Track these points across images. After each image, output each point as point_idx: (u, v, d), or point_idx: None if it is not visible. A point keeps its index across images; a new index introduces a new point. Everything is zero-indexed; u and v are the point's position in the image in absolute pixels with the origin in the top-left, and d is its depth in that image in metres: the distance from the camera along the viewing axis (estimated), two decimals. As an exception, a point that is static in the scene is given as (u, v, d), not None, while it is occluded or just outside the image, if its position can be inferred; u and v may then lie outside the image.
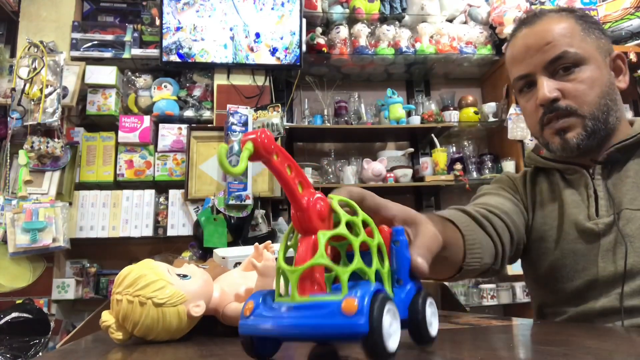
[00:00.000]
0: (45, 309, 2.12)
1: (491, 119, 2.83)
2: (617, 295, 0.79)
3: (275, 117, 2.31)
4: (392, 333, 0.35)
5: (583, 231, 0.84)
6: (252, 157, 0.36)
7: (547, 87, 0.82)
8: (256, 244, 0.63)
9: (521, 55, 0.87)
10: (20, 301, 2.08)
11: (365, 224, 0.41)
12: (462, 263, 0.72)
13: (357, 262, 0.37)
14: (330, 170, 2.76)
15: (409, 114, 2.82)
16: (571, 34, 0.84)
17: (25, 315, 1.99)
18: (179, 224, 2.34)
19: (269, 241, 0.64)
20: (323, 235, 0.38)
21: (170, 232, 2.33)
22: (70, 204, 2.28)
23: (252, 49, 2.53)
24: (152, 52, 2.51)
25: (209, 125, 2.49)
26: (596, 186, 0.85)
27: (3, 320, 1.94)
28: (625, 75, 0.88)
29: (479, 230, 0.78)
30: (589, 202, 0.85)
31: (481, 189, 0.98)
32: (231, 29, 2.53)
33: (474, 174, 2.82)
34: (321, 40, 2.75)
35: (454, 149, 2.91)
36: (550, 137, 0.86)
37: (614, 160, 0.85)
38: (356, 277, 0.38)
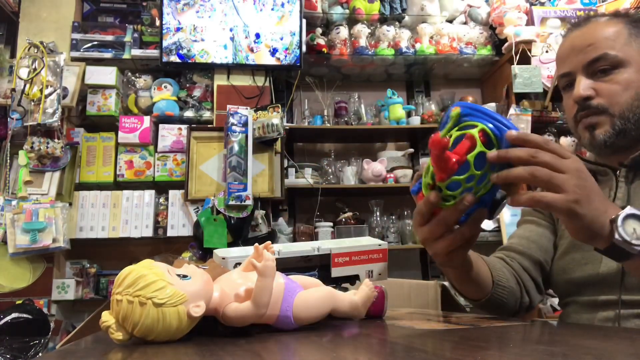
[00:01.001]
0: (45, 310, 2.12)
1: (491, 120, 2.83)
2: (617, 289, 0.83)
3: (275, 117, 2.31)
4: None
5: None
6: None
7: (582, 86, 0.86)
8: (256, 244, 0.63)
9: (565, 54, 0.91)
10: (20, 301, 2.08)
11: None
12: (491, 289, 0.85)
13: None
14: (330, 170, 2.76)
15: (409, 115, 2.83)
16: (615, 37, 0.86)
17: (25, 315, 1.99)
18: (179, 225, 2.34)
19: (269, 241, 0.64)
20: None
21: (170, 233, 2.33)
22: (70, 204, 2.28)
23: (252, 50, 2.54)
24: (152, 52, 2.52)
25: (209, 126, 2.49)
26: (619, 188, 0.87)
27: (3, 321, 1.94)
28: None
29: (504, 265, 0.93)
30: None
31: (522, 212, 1.09)
32: (231, 30, 2.53)
33: (474, 175, 2.81)
34: (321, 41, 2.75)
35: (454, 149, 2.91)
36: (582, 132, 0.89)
37: (636, 165, 0.86)
38: None
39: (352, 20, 2.87)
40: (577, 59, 0.88)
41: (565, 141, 2.83)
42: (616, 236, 0.60)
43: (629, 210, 0.61)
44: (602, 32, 0.87)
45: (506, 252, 0.98)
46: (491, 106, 2.85)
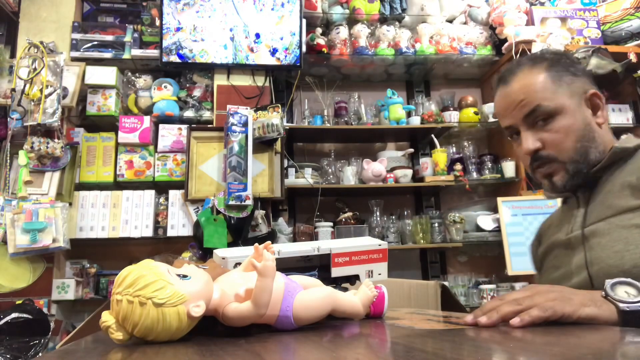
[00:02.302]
0: (45, 310, 2.12)
1: (491, 120, 2.83)
2: None
3: (275, 117, 2.31)
4: None
5: (560, 243, 0.98)
6: None
7: (529, 140, 0.93)
8: (256, 244, 0.63)
9: (502, 110, 0.98)
10: (20, 301, 2.08)
11: None
12: None
13: None
14: (330, 170, 2.76)
15: (409, 115, 2.83)
16: (543, 87, 0.92)
17: (25, 315, 1.99)
18: (179, 225, 2.34)
19: (269, 241, 0.64)
20: None
21: (170, 233, 2.33)
22: (70, 204, 2.28)
23: (252, 50, 2.54)
24: (152, 52, 2.52)
25: (209, 126, 2.49)
26: (580, 206, 0.96)
27: (3, 321, 1.94)
28: (603, 110, 0.95)
29: None
30: (572, 220, 0.97)
31: None
32: (231, 30, 2.53)
33: (474, 175, 2.82)
34: (321, 41, 2.75)
35: (454, 149, 2.92)
36: (540, 179, 0.98)
37: (591, 184, 0.94)
38: None
39: (352, 20, 2.87)
40: (515, 114, 0.95)
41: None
42: (620, 305, 0.64)
43: (610, 280, 0.67)
44: (529, 85, 0.93)
45: None
46: (491, 106, 2.85)
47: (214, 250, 0.86)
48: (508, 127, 0.98)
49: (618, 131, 2.88)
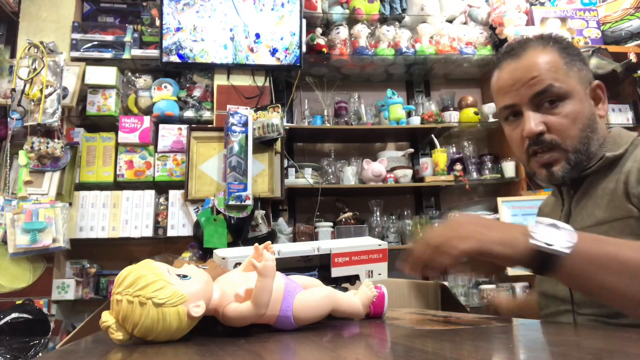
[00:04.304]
0: (45, 310, 2.12)
1: (491, 120, 2.83)
2: (569, 304, 0.89)
3: (275, 117, 2.31)
4: None
5: None
6: None
7: (534, 121, 0.86)
8: (256, 244, 0.63)
9: (507, 86, 0.90)
10: (20, 302, 2.08)
11: None
12: None
13: None
14: (330, 170, 2.76)
15: (409, 115, 2.83)
16: (555, 68, 0.87)
17: (25, 315, 1.99)
18: (179, 225, 2.34)
19: (269, 241, 0.64)
20: None
21: (170, 233, 2.33)
22: (70, 204, 2.28)
23: (252, 50, 2.53)
24: (152, 52, 2.51)
25: (209, 126, 2.49)
26: (564, 204, 0.95)
27: (3, 321, 1.94)
28: (604, 103, 0.92)
29: None
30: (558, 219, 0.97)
31: None
32: (231, 30, 2.53)
33: (474, 175, 2.82)
34: (321, 41, 2.75)
35: (454, 149, 2.92)
36: (537, 169, 0.91)
37: (577, 183, 0.91)
38: None
39: (352, 20, 2.87)
40: (522, 92, 0.88)
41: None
42: (531, 241, 0.65)
43: (542, 219, 0.67)
44: (542, 63, 0.87)
45: None
46: (491, 106, 2.85)
47: (214, 250, 0.86)
48: (509, 106, 0.91)
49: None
